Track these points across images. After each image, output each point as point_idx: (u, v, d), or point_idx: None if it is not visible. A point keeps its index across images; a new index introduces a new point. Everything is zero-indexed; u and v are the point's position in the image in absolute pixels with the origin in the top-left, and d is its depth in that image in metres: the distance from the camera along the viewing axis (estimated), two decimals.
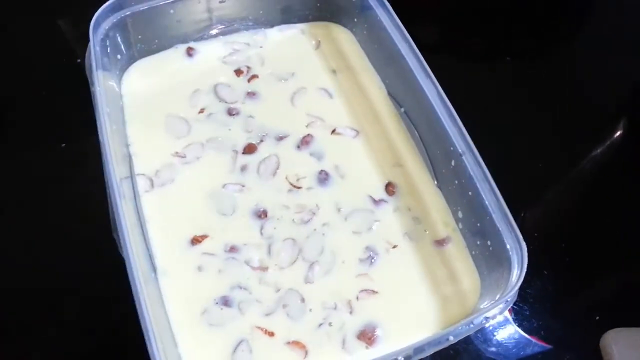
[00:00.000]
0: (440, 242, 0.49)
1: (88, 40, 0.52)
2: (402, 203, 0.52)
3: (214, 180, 0.52)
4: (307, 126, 0.55)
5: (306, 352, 0.44)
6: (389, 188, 0.52)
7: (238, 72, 0.59)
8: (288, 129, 0.55)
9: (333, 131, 0.55)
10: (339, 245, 0.49)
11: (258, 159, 0.53)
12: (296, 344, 0.44)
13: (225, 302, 0.46)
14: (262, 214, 0.50)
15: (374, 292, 0.47)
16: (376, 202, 0.51)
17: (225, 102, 0.57)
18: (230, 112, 0.56)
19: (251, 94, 0.58)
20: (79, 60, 0.64)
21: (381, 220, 0.50)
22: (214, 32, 0.62)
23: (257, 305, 0.45)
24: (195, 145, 0.54)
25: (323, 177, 0.52)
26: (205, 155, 0.53)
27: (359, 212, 0.51)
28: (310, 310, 0.46)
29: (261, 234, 0.49)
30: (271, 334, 0.44)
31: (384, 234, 0.50)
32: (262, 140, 0.55)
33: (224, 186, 0.51)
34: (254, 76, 0.59)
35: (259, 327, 0.44)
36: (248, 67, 0.60)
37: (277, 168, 0.53)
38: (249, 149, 0.54)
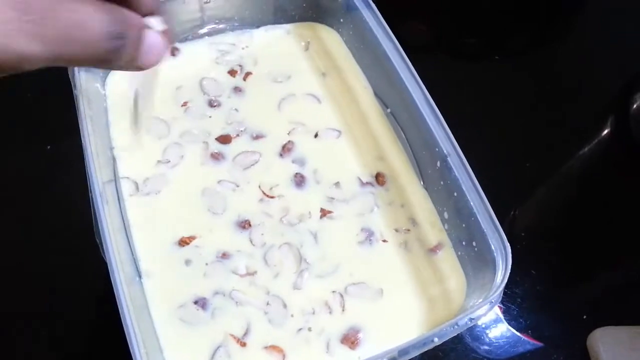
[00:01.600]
0: (433, 250, 0.49)
1: None
2: (395, 198, 0.52)
3: (198, 176, 0.52)
4: (288, 133, 0.55)
5: (284, 356, 0.44)
6: (379, 178, 0.53)
7: (232, 72, 0.59)
8: (267, 131, 0.55)
9: (316, 135, 0.55)
10: (335, 240, 0.49)
11: (234, 151, 0.53)
12: (274, 348, 0.44)
13: (203, 304, 0.45)
14: (245, 224, 0.49)
15: (358, 292, 0.47)
16: (372, 185, 0.52)
17: (208, 95, 0.57)
18: (212, 104, 0.56)
19: (237, 90, 0.58)
20: None
21: (381, 206, 0.51)
22: (199, 32, 0.61)
23: (231, 315, 0.45)
24: (175, 145, 0.53)
25: (299, 180, 0.52)
26: (186, 152, 0.53)
27: (359, 197, 0.51)
28: (292, 315, 0.45)
29: (252, 244, 0.49)
30: (243, 345, 0.44)
31: (381, 224, 0.50)
32: (238, 135, 0.55)
33: (219, 182, 0.51)
34: (249, 73, 0.59)
35: (232, 335, 0.44)
36: (240, 66, 0.59)
37: (255, 164, 0.53)
38: (224, 139, 0.54)
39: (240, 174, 0.52)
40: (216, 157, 0.53)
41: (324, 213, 0.51)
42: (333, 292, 0.46)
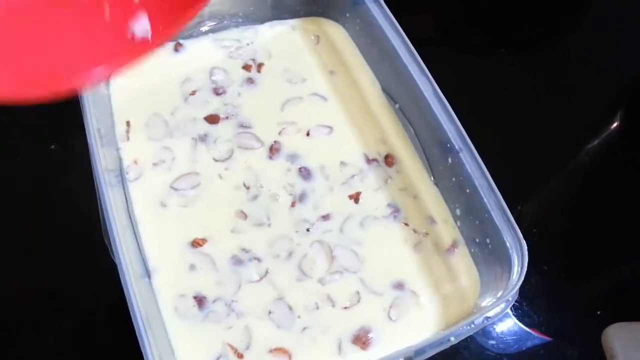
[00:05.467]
0: (449, 249, 0.48)
1: None
2: (407, 186, 0.51)
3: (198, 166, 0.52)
4: (279, 133, 0.54)
5: (289, 357, 0.43)
6: (388, 159, 0.52)
7: (247, 67, 0.58)
8: (255, 124, 0.54)
9: (307, 133, 0.55)
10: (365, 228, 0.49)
11: (221, 134, 0.53)
12: (278, 350, 0.43)
13: (200, 302, 0.45)
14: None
15: (371, 293, 0.46)
16: (379, 162, 0.52)
17: (216, 84, 0.57)
18: (217, 92, 0.56)
19: (250, 81, 0.57)
20: None
21: (394, 187, 0.51)
22: (203, 29, 0.60)
23: (227, 323, 0.44)
24: (168, 142, 0.53)
25: (305, 174, 0.51)
26: (177, 152, 0.53)
27: (370, 171, 0.52)
28: (299, 317, 0.45)
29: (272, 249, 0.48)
30: (240, 356, 0.43)
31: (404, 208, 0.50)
32: (227, 118, 0.54)
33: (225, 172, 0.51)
34: (261, 64, 0.58)
35: (230, 346, 0.43)
36: (254, 60, 0.59)
37: (231, 156, 0.52)
38: (211, 119, 0.54)
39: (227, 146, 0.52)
40: (204, 139, 0.53)
41: (355, 198, 0.50)
42: (341, 290, 0.46)
